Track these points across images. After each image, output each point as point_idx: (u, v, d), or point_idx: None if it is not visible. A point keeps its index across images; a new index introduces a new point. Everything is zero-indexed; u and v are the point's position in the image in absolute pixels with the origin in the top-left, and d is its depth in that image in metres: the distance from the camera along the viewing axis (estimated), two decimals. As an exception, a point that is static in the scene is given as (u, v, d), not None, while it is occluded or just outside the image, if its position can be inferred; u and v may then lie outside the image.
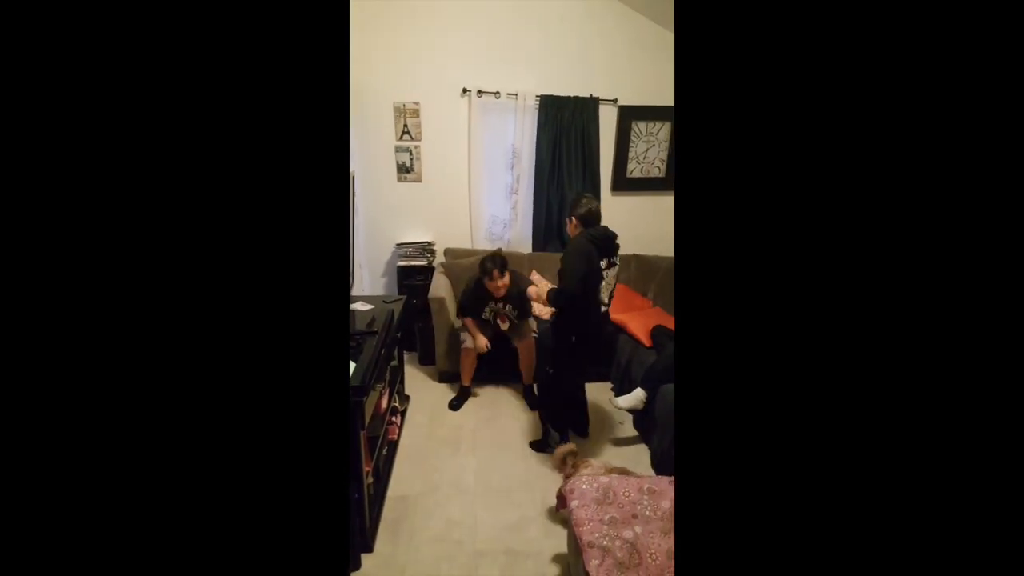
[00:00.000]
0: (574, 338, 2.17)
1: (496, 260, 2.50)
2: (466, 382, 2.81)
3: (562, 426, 2.38)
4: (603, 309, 2.18)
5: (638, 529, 1.42)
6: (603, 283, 2.13)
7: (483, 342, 2.62)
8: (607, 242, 2.10)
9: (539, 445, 2.43)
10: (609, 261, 2.13)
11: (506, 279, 2.50)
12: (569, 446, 1.93)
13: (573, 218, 2.13)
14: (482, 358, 2.73)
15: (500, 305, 2.62)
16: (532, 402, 2.77)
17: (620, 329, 2.89)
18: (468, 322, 2.68)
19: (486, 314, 2.68)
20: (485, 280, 2.50)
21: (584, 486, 1.54)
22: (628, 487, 1.54)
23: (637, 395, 2.37)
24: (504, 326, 2.71)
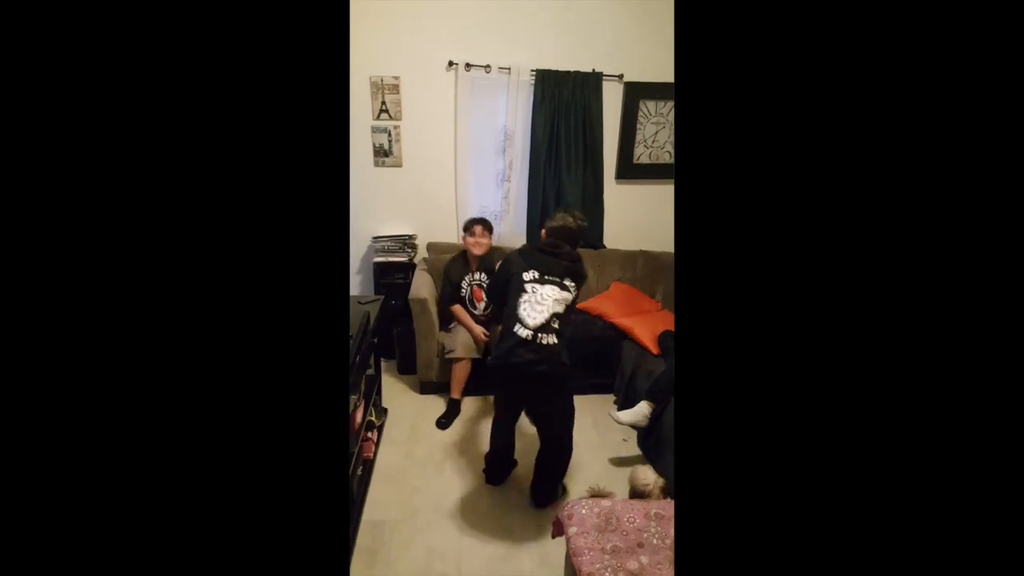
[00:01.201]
0: (490, 359, 2.12)
1: (479, 219, 2.91)
2: (456, 395, 2.80)
3: (487, 469, 2.35)
4: (525, 333, 1.94)
5: (644, 559, 1.43)
6: (525, 296, 1.99)
7: (480, 331, 2.76)
8: (543, 254, 2.06)
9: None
10: (543, 276, 2.02)
11: (487, 238, 2.86)
12: (646, 478, 1.79)
13: (543, 230, 2.20)
14: (478, 364, 2.77)
15: (477, 275, 2.88)
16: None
17: (624, 335, 2.92)
18: (457, 311, 2.83)
19: (463, 290, 2.89)
20: (465, 238, 2.86)
21: (584, 511, 1.55)
22: (633, 512, 1.55)
23: (641, 410, 2.39)
24: (480, 304, 2.88)
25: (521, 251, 2.14)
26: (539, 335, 1.95)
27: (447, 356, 2.78)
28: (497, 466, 2.36)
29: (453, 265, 2.91)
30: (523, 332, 1.96)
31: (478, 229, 2.82)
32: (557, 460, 2.21)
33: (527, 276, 2.04)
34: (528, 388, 2.05)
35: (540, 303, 1.99)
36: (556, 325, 1.99)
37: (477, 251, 2.83)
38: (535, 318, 1.97)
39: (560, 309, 2.00)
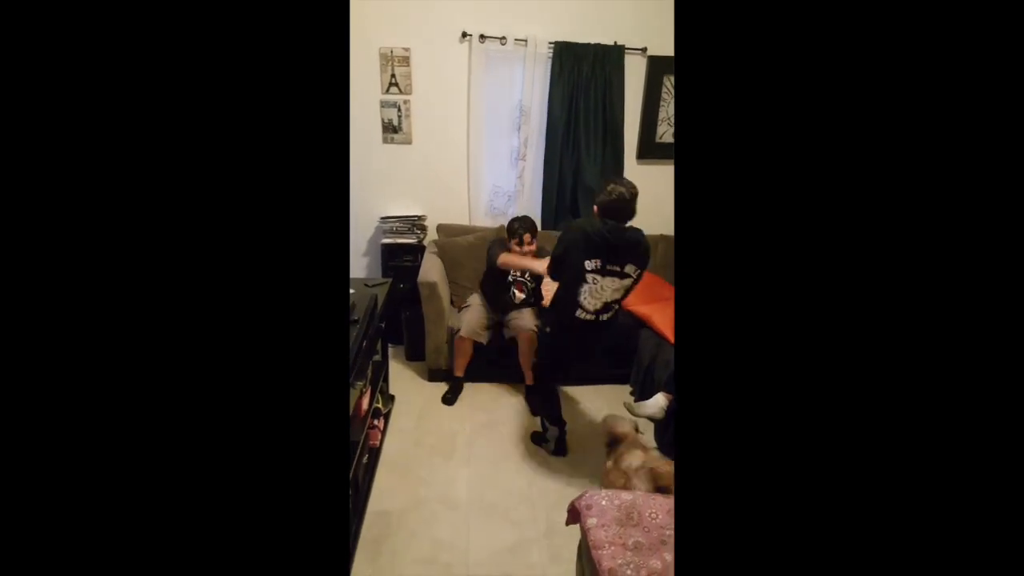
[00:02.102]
0: (548, 328, 2.37)
1: (526, 222, 2.82)
2: (459, 372, 2.87)
3: (544, 415, 2.56)
4: (585, 316, 2.13)
5: (668, 557, 1.41)
6: (585, 287, 2.07)
7: (539, 265, 2.59)
8: (606, 243, 2.02)
9: (537, 437, 2.59)
10: (604, 266, 2.04)
11: (534, 246, 2.80)
12: (622, 427, 2.10)
13: (595, 207, 2.12)
14: (479, 349, 2.79)
15: (519, 273, 2.86)
16: (534, 406, 2.79)
17: (642, 324, 2.89)
18: (508, 258, 2.76)
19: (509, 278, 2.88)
20: (511, 244, 2.79)
21: (604, 502, 1.54)
22: (655, 507, 1.54)
23: (657, 402, 2.37)
24: (520, 296, 2.86)
25: (585, 235, 2.05)
26: (600, 315, 2.18)
27: (456, 335, 2.81)
28: (561, 437, 2.52)
29: (496, 251, 2.83)
30: (584, 315, 2.16)
31: (527, 238, 2.77)
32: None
33: (589, 266, 2.06)
34: (585, 356, 2.44)
35: (599, 293, 2.12)
36: (615, 306, 2.21)
37: None
38: (594, 304, 2.14)
39: (618, 296, 2.17)
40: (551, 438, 2.51)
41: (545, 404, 2.54)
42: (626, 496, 1.57)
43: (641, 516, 1.51)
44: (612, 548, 1.42)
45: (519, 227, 2.79)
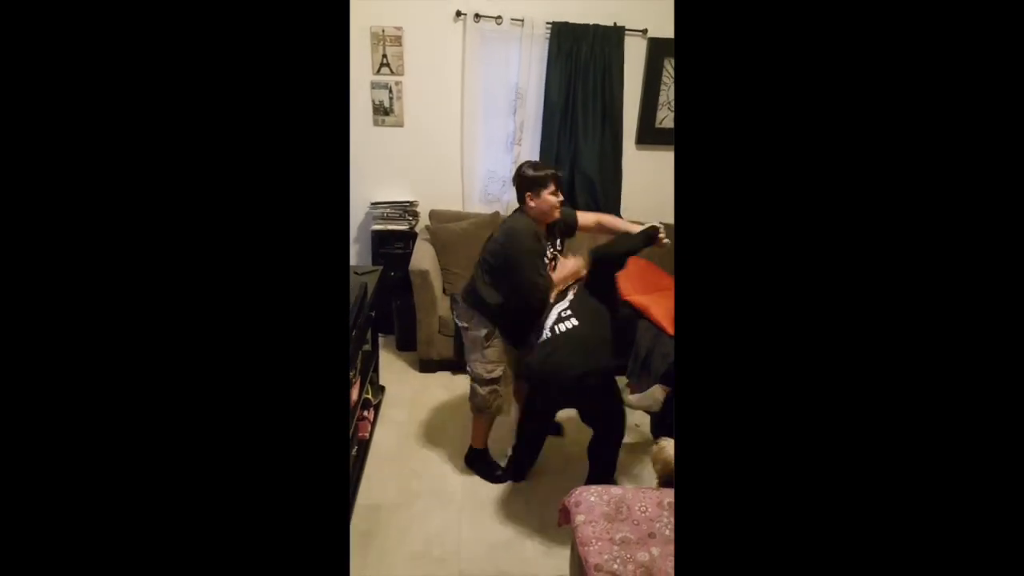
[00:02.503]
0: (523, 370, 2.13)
1: (540, 164, 2.13)
2: (479, 444, 2.36)
3: (518, 460, 2.32)
4: (544, 334, 1.94)
5: (655, 551, 1.44)
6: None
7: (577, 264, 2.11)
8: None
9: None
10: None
11: (560, 196, 2.05)
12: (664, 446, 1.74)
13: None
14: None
15: (549, 247, 2.12)
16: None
17: (640, 314, 2.89)
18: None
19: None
20: (543, 194, 1.99)
21: (592, 498, 1.56)
22: (645, 501, 1.56)
23: (653, 394, 2.38)
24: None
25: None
26: (556, 327, 1.93)
27: (488, 399, 2.17)
28: (527, 463, 2.34)
29: (529, 231, 2.01)
30: (543, 334, 1.94)
31: (553, 183, 2.02)
32: (608, 442, 2.19)
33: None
34: (562, 393, 2.06)
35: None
36: (566, 305, 1.96)
37: (552, 217, 2.07)
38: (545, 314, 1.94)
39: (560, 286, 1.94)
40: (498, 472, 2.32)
41: (531, 446, 2.32)
42: (616, 491, 1.59)
43: (631, 510, 1.53)
44: (599, 544, 1.44)
45: (536, 172, 2.02)
